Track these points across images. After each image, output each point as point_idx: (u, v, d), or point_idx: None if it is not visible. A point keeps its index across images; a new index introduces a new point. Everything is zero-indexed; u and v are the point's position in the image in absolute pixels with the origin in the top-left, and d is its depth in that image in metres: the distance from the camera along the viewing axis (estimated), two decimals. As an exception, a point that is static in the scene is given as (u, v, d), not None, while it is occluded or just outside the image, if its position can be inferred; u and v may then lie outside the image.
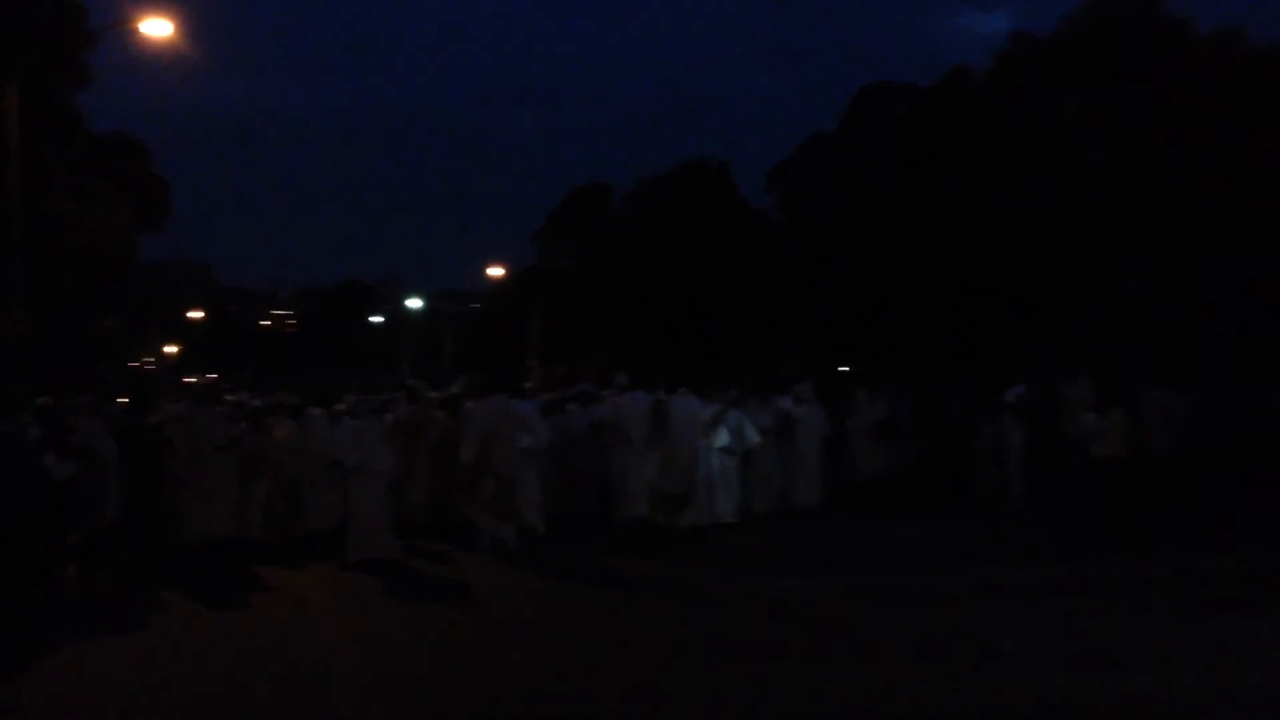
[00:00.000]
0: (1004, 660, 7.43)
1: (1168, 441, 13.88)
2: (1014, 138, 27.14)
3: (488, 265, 53.71)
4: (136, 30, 20.60)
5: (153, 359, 64.87)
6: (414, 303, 68.34)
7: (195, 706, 6.84)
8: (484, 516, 12.45)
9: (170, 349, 71.03)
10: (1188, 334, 22.79)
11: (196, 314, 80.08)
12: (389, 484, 12.17)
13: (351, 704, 6.86)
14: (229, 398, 15.18)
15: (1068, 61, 27.10)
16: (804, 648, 7.99)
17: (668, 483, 12.73)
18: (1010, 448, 14.63)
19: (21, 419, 10.12)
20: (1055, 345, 24.87)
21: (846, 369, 36.31)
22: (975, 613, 8.98)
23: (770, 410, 14.81)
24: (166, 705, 6.84)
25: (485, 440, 12.43)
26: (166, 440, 11.77)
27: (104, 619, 9.19)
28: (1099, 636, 8.07)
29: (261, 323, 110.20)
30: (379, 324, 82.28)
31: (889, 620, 8.78)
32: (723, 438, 13.50)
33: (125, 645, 8.39)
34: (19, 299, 19.82)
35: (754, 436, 13.89)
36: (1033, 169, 26.51)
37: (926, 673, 7.17)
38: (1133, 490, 13.23)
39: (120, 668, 7.71)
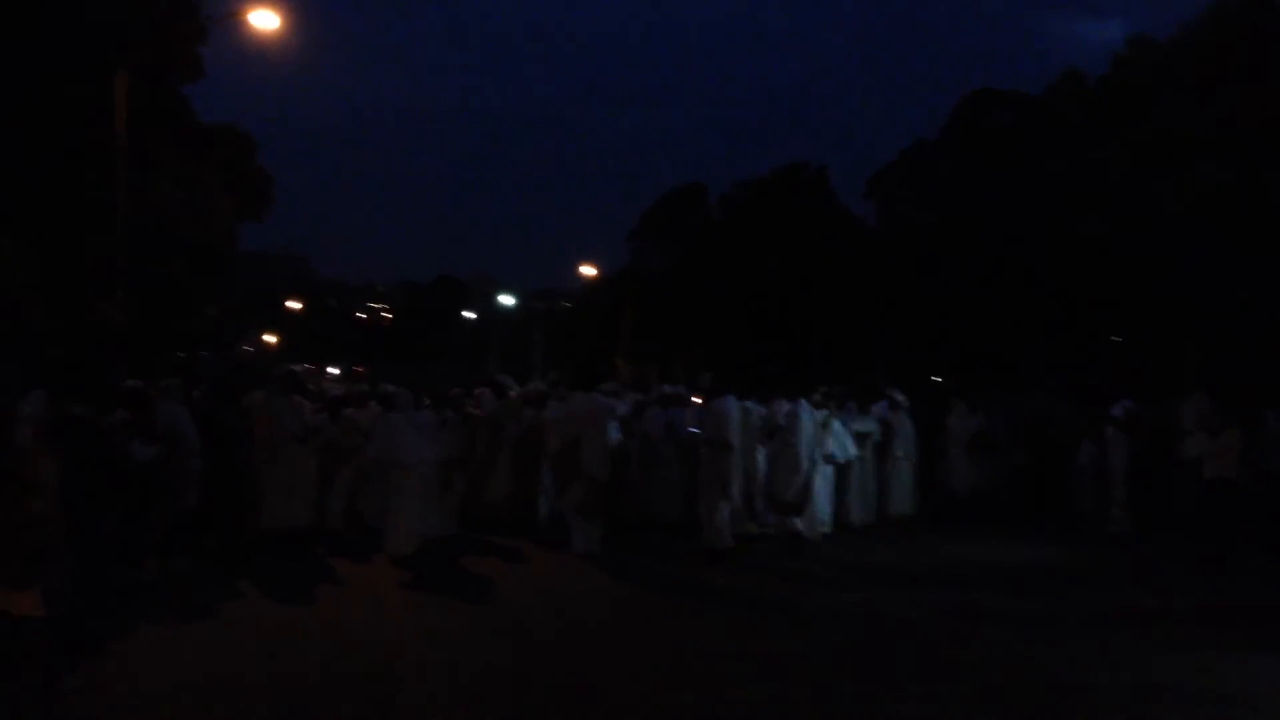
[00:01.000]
0: (1097, 693, 6.98)
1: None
2: (1130, 144, 26.15)
3: (580, 264, 53.78)
4: (246, 23, 20.96)
5: (250, 347, 66.35)
6: (506, 299, 68.81)
7: (262, 699, 6.72)
8: (575, 516, 12.22)
9: (269, 338, 72.58)
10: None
11: (295, 304, 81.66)
12: (428, 476, 11.84)
13: (420, 704, 6.69)
14: (311, 387, 15.20)
15: (1188, 67, 26.04)
16: (888, 669, 7.61)
17: (785, 490, 12.33)
18: (1114, 465, 13.97)
19: (108, 402, 10.16)
20: (1166, 360, 23.89)
21: (938, 379, 35.53)
22: (1069, 639, 8.50)
23: (869, 418, 14.33)
24: (234, 696, 6.73)
25: (572, 438, 12.23)
26: (250, 428, 11.76)
27: (179, 606, 9.15)
28: (1200, 671, 7.55)
29: (358, 315, 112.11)
30: (471, 320, 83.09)
31: (979, 643, 8.35)
32: (828, 445, 13.12)
33: (198, 633, 8.33)
34: (122, 284, 20.24)
35: (851, 450, 13.46)
36: (1148, 176, 25.54)
37: (1016, 702, 6.78)
38: (1244, 515, 12.52)
39: (191, 656, 7.64)
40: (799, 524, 12.27)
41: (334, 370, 69.67)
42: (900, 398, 14.87)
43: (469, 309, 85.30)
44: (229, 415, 11.50)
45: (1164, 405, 14.39)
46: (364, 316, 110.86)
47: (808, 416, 12.37)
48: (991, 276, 32.67)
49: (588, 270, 52.75)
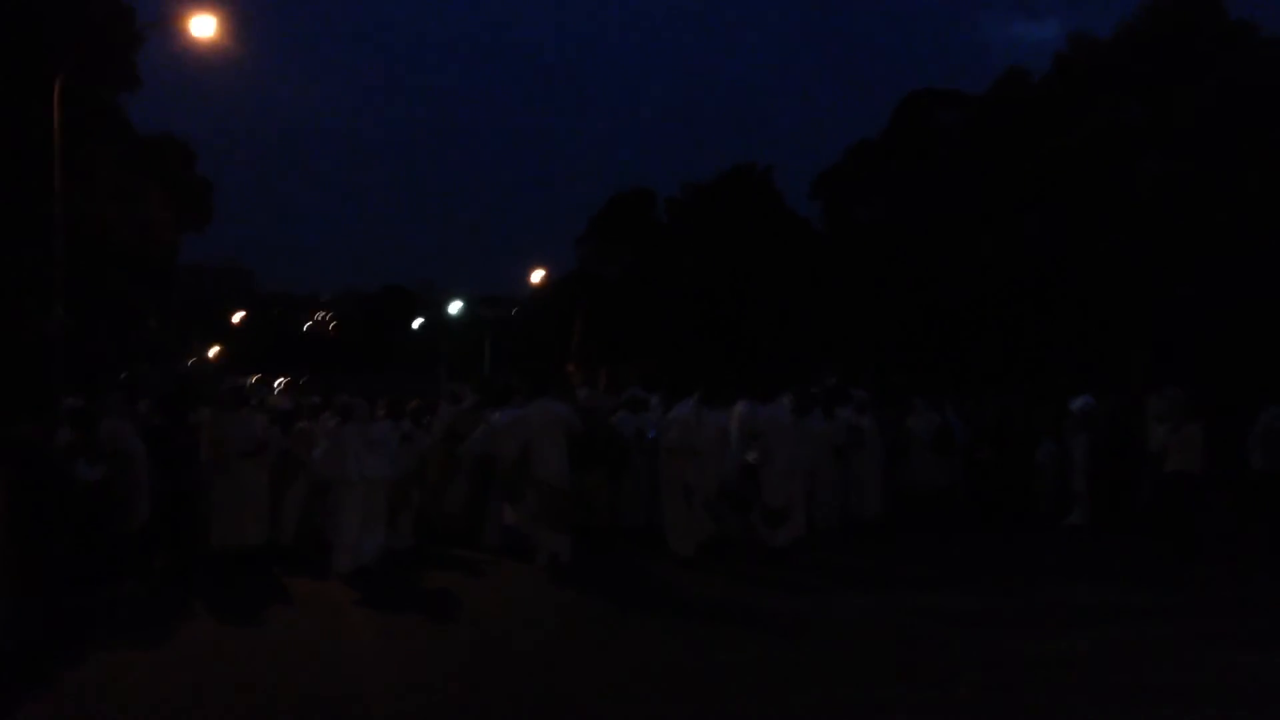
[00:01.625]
0: (1070, 690, 6.92)
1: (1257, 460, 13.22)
2: (1073, 141, 26.46)
3: (529, 270, 53.53)
4: (182, 30, 20.52)
5: (193, 360, 65.25)
6: (454, 307, 68.32)
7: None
8: (536, 528, 11.81)
9: (212, 351, 71.44)
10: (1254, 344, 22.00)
11: (238, 316, 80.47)
12: (374, 492, 11.30)
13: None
14: (253, 401, 14.78)
15: (1128, 64, 26.41)
16: (868, 674, 7.46)
17: (774, 498, 12.12)
18: (1075, 460, 13.97)
19: (51, 421, 9.79)
20: (1117, 354, 24.15)
21: (893, 378, 35.67)
22: (1045, 637, 8.41)
23: (835, 423, 14.11)
24: (190, 726, 6.46)
25: (527, 446, 11.80)
26: (198, 445, 11.38)
27: (131, 630, 8.83)
28: (1182, 667, 7.54)
29: (303, 326, 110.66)
30: (419, 328, 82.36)
31: (952, 645, 8.24)
32: None
33: (150, 659, 7.99)
34: (60, 298, 19.69)
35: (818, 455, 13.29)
36: (1091, 174, 25.83)
37: (988, 704, 6.70)
38: (1204, 509, 12.58)
39: (144, 683, 7.30)
40: (781, 534, 12.06)
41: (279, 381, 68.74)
42: (864, 397, 14.77)
43: (416, 317, 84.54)
44: (177, 432, 11.14)
45: (1122, 400, 14.47)
46: (309, 326, 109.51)
47: (787, 420, 12.21)
48: (939, 274, 32.88)
49: (536, 276, 52.51)
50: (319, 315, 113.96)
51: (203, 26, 19.94)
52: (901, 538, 13.69)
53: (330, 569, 11.09)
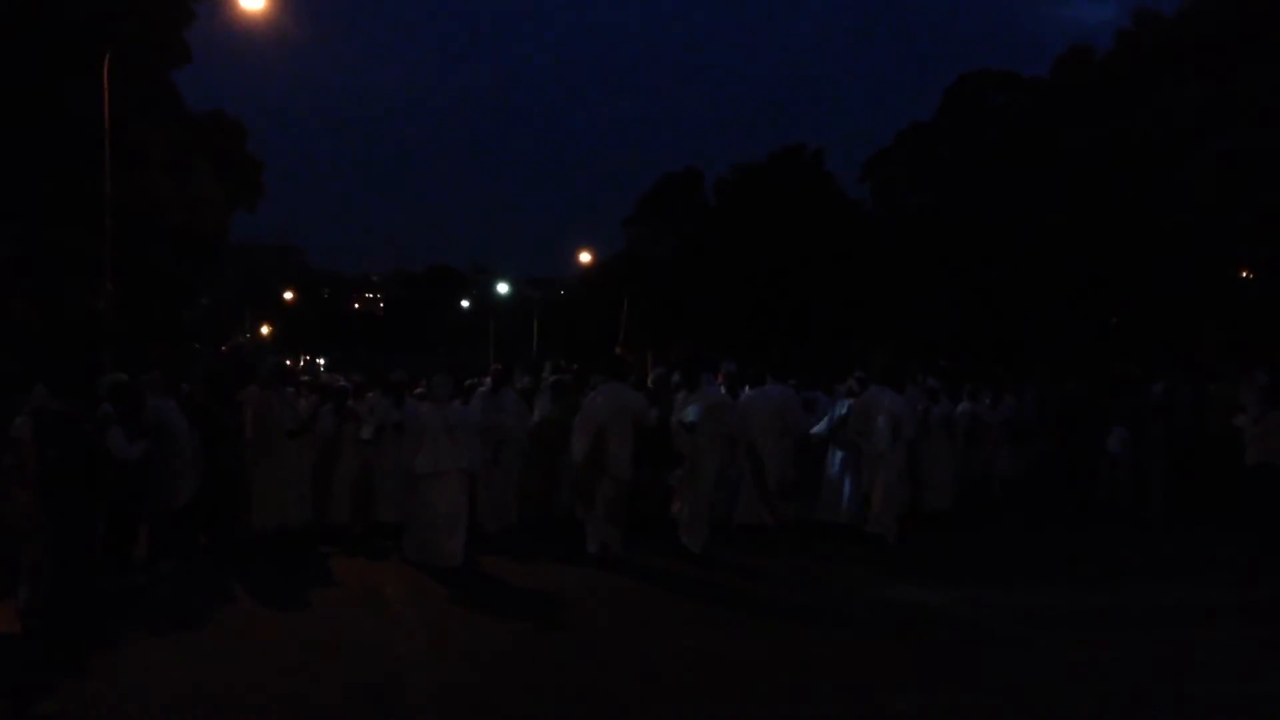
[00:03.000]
0: (1146, 701, 6.49)
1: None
2: (1138, 121, 25.65)
3: (576, 251, 53.32)
4: (233, 4, 20.49)
5: (245, 338, 65.80)
6: (502, 288, 68.47)
7: (255, 715, 6.20)
8: (592, 518, 11.27)
9: (264, 330, 72.09)
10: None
11: (289, 295, 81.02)
12: (461, 481, 10.74)
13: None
14: (306, 379, 14.59)
15: (1196, 42, 25.53)
16: (930, 676, 7.08)
17: (869, 484, 11.75)
18: (1152, 449, 13.33)
19: (92, 397, 9.60)
20: (1182, 339, 23.45)
21: (944, 364, 35.05)
22: (1106, 640, 7.98)
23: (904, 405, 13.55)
24: (225, 712, 6.22)
25: (599, 435, 11.11)
26: (243, 423, 11.17)
27: (169, 612, 8.64)
28: (1234, 673, 7.11)
29: (353, 305, 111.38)
30: (467, 308, 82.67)
31: (1010, 647, 7.83)
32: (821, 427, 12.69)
33: (188, 643, 7.79)
34: (111, 275, 19.71)
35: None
36: (1154, 156, 25.05)
37: (1062, 712, 6.29)
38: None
39: (180, 669, 7.09)
40: (877, 522, 11.66)
41: (320, 361, 69.37)
42: (934, 384, 14.13)
43: (464, 298, 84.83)
44: (221, 410, 10.93)
45: (1197, 385, 13.87)
46: (358, 306, 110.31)
47: (885, 405, 11.67)
48: (992, 256, 32.23)
49: (584, 257, 52.30)
50: (368, 295, 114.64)
51: (253, 1, 19.88)
52: (970, 529, 13.20)
53: (394, 552, 10.85)
